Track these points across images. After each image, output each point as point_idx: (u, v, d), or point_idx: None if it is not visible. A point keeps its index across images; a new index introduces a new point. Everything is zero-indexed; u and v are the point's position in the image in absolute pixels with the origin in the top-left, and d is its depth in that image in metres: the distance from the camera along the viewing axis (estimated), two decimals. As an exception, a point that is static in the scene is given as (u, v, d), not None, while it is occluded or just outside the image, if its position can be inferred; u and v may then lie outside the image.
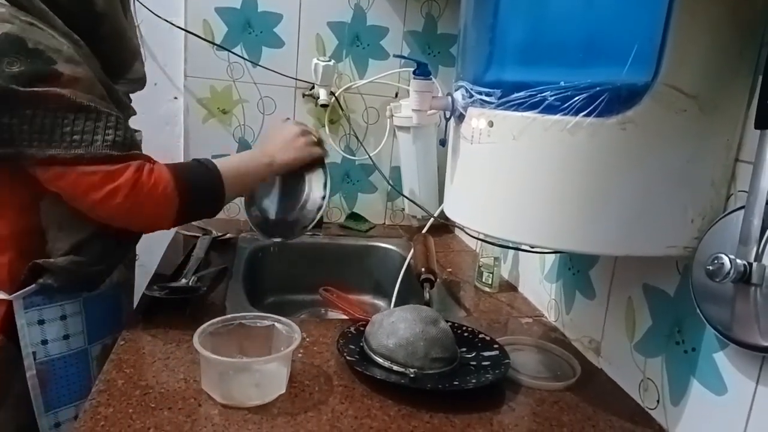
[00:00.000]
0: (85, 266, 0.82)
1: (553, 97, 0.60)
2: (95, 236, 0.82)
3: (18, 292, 0.79)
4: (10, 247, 0.79)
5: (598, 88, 0.58)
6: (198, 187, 0.82)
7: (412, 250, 1.18)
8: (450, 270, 1.29)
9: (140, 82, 0.93)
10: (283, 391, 0.72)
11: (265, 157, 0.93)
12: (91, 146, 0.73)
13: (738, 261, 0.56)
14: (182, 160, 1.46)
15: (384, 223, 1.65)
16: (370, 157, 1.52)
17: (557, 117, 0.60)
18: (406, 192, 1.54)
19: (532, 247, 0.79)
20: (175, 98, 1.45)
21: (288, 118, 1.26)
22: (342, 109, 1.52)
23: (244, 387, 0.71)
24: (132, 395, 0.69)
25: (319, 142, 1.02)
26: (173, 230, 1.39)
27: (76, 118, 0.72)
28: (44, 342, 0.81)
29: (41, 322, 0.81)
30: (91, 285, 0.85)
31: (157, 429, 0.64)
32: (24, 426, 0.81)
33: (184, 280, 1.01)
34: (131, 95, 0.93)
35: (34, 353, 0.80)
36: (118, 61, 0.84)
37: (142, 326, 0.87)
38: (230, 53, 1.43)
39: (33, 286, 0.80)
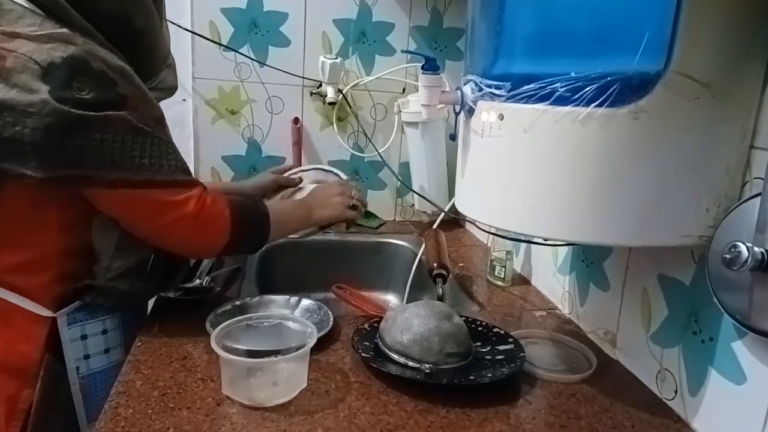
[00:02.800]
0: (143, 289, 0.85)
1: (563, 89, 0.59)
2: (156, 259, 0.84)
3: (62, 310, 0.79)
4: (55, 266, 0.79)
5: (609, 78, 0.57)
6: (249, 226, 0.87)
7: (423, 246, 1.18)
8: (462, 265, 1.29)
9: (169, 92, 0.93)
10: (305, 385, 0.73)
11: (305, 210, 1.00)
12: (159, 171, 0.75)
13: (756, 249, 0.55)
14: (192, 163, 1.48)
15: (394, 220, 1.65)
16: (379, 153, 1.52)
17: (568, 108, 0.59)
18: (415, 187, 1.53)
19: (545, 240, 0.79)
20: (184, 100, 1.45)
21: (337, 177, 1.28)
22: (350, 107, 1.52)
23: (264, 386, 0.71)
24: (150, 396, 0.70)
25: (355, 206, 1.06)
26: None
27: (143, 143, 0.74)
28: (86, 356, 0.83)
29: (84, 337, 0.82)
30: (138, 305, 0.89)
31: (177, 429, 0.64)
32: None
33: (198, 281, 1.02)
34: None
35: (77, 368, 0.82)
36: (147, 69, 0.83)
37: (158, 327, 0.88)
38: (237, 54, 1.43)
39: (77, 303, 0.80)
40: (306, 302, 0.96)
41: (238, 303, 0.94)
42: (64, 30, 0.70)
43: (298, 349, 0.71)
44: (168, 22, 1.36)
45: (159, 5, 0.83)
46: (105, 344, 0.85)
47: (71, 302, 0.80)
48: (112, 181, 0.72)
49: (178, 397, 0.70)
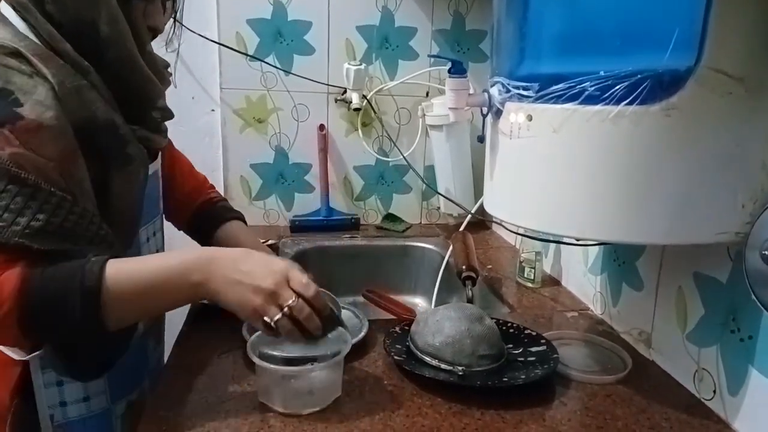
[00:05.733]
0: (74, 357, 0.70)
1: (593, 88, 0.59)
2: None
3: (35, 353, 0.68)
4: None
5: (639, 76, 0.57)
6: (49, 309, 0.61)
7: (450, 248, 1.18)
8: (490, 267, 1.29)
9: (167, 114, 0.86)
10: (339, 393, 0.73)
11: (197, 274, 0.66)
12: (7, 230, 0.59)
13: (795, 244, 0.54)
14: (222, 172, 1.50)
15: (420, 223, 1.65)
16: (404, 157, 1.53)
17: (598, 107, 0.59)
18: (441, 190, 1.54)
19: (578, 240, 0.78)
20: (213, 111, 1.48)
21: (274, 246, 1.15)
22: (374, 112, 1.53)
23: (299, 394, 0.71)
24: (190, 399, 0.72)
25: (273, 326, 0.66)
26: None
27: (4, 190, 0.59)
28: (63, 404, 0.73)
29: (60, 383, 0.73)
30: (97, 372, 0.74)
31: (216, 431, 0.66)
32: None
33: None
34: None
35: (51, 415, 0.73)
36: (134, 91, 0.75)
37: (195, 333, 0.90)
38: (263, 63, 1.46)
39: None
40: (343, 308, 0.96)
41: None
42: None
43: (333, 356, 0.72)
44: (198, 35, 1.40)
45: (129, 12, 0.72)
46: (84, 392, 0.75)
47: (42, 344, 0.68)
48: None
49: (216, 400, 0.72)
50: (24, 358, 0.69)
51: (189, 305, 0.88)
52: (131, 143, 0.74)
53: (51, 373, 0.71)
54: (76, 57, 0.68)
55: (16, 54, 0.64)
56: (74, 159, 0.66)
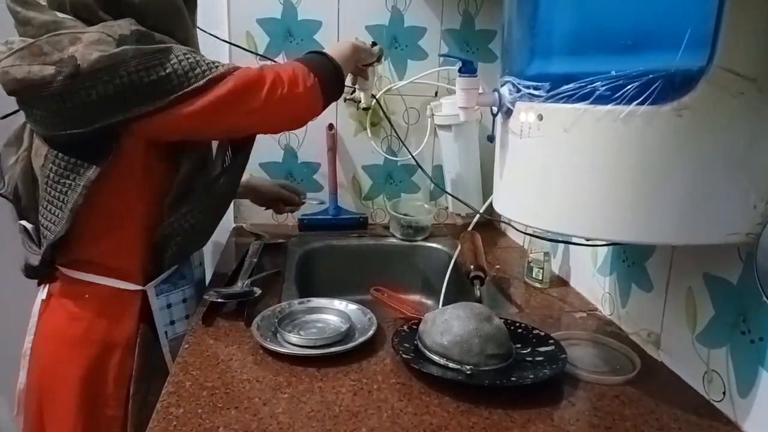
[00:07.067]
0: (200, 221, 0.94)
1: (604, 87, 0.59)
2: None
3: (150, 282, 0.93)
4: (140, 251, 0.91)
5: (651, 76, 0.57)
6: (329, 73, 0.96)
7: (458, 248, 1.18)
8: (498, 267, 1.28)
9: None
10: None
11: (348, 41, 1.09)
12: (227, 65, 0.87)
13: (808, 246, 0.54)
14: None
15: (428, 223, 1.65)
16: (413, 156, 1.52)
17: (609, 107, 0.59)
18: (449, 190, 1.53)
19: (587, 240, 0.78)
20: (222, 109, 1.49)
21: None
22: (383, 111, 1.53)
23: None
24: (200, 396, 0.72)
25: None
26: (226, 235, 1.43)
27: (201, 57, 0.85)
28: (172, 322, 0.96)
29: (169, 306, 0.96)
30: (202, 237, 0.99)
31: (227, 428, 0.66)
32: None
33: (239, 285, 1.04)
34: None
35: (165, 332, 0.95)
36: None
37: (204, 331, 0.90)
38: (273, 63, 1.46)
39: (162, 275, 0.94)
40: (352, 306, 0.97)
41: (284, 305, 0.96)
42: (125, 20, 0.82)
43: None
44: (207, 34, 1.41)
45: (193, 20, 0.97)
46: (185, 311, 0.98)
47: (155, 276, 0.93)
48: (203, 85, 0.82)
49: (226, 398, 0.72)
50: (143, 288, 0.92)
51: (198, 305, 0.98)
52: None
53: (162, 298, 0.95)
54: None
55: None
56: None
